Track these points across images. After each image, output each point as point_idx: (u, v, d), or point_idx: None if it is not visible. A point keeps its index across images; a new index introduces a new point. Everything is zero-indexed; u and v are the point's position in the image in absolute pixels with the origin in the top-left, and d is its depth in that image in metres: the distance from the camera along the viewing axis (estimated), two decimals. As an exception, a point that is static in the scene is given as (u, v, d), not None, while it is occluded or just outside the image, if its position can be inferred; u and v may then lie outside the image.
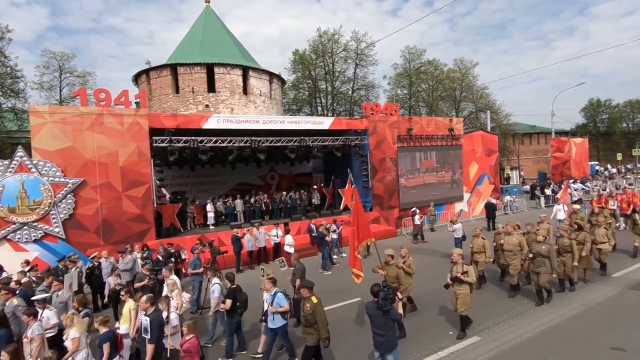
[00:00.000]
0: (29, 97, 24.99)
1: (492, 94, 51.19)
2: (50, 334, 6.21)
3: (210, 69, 24.56)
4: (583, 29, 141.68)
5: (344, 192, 19.77)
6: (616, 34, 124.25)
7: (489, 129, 29.12)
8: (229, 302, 6.51)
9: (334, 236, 13.94)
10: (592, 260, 9.71)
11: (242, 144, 15.41)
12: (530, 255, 8.10)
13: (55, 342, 6.08)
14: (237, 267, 12.74)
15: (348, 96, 36.01)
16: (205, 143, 14.72)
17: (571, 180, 24.51)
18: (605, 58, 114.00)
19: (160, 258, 10.41)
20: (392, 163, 18.88)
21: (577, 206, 12.65)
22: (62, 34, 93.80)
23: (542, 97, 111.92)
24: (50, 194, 11.93)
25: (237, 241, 12.77)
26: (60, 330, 6.19)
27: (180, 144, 14.29)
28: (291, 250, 12.34)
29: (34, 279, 8.77)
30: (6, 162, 11.78)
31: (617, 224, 13.92)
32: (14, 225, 11.61)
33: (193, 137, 14.42)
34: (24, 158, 11.83)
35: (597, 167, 41.99)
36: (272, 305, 6.14)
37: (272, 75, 27.74)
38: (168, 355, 5.51)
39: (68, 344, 5.45)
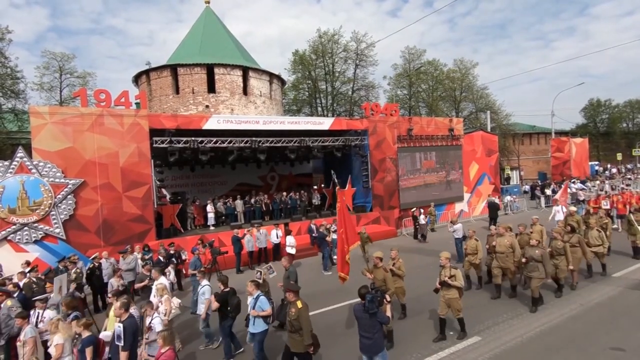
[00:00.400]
0: (29, 98, 25.08)
1: (492, 94, 51.12)
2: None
3: (210, 69, 24.57)
4: (583, 29, 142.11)
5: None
6: (616, 34, 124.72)
7: (489, 129, 29.11)
8: (215, 303, 6.39)
9: (334, 236, 13.93)
10: (581, 262, 9.49)
11: (242, 145, 15.44)
12: (524, 260, 8.01)
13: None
14: (238, 268, 12.78)
15: (348, 96, 35.97)
16: (206, 144, 14.74)
17: (572, 181, 24.51)
18: (605, 58, 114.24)
19: (161, 259, 10.43)
20: (392, 163, 18.90)
21: (573, 208, 12.56)
22: (62, 34, 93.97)
23: (542, 97, 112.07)
24: (50, 194, 11.94)
25: (237, 242, 12.79)
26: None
27: (180, 145, 14.31)
28: (292, 251, 12.36)
29: (34, 279, 8.77)
30: (6, 162, 11.80)
31: (614, 225, 13.88)
32: (14, 226, 11.62)
33: (193, 138, 14.45)
34: (25, 159, 11.85)
35: (597, 167, 42.00)
36: (254, 308, 5.92)
37: (272, 76, 27.74)
38: None
39: (52, 350, 5.20)
